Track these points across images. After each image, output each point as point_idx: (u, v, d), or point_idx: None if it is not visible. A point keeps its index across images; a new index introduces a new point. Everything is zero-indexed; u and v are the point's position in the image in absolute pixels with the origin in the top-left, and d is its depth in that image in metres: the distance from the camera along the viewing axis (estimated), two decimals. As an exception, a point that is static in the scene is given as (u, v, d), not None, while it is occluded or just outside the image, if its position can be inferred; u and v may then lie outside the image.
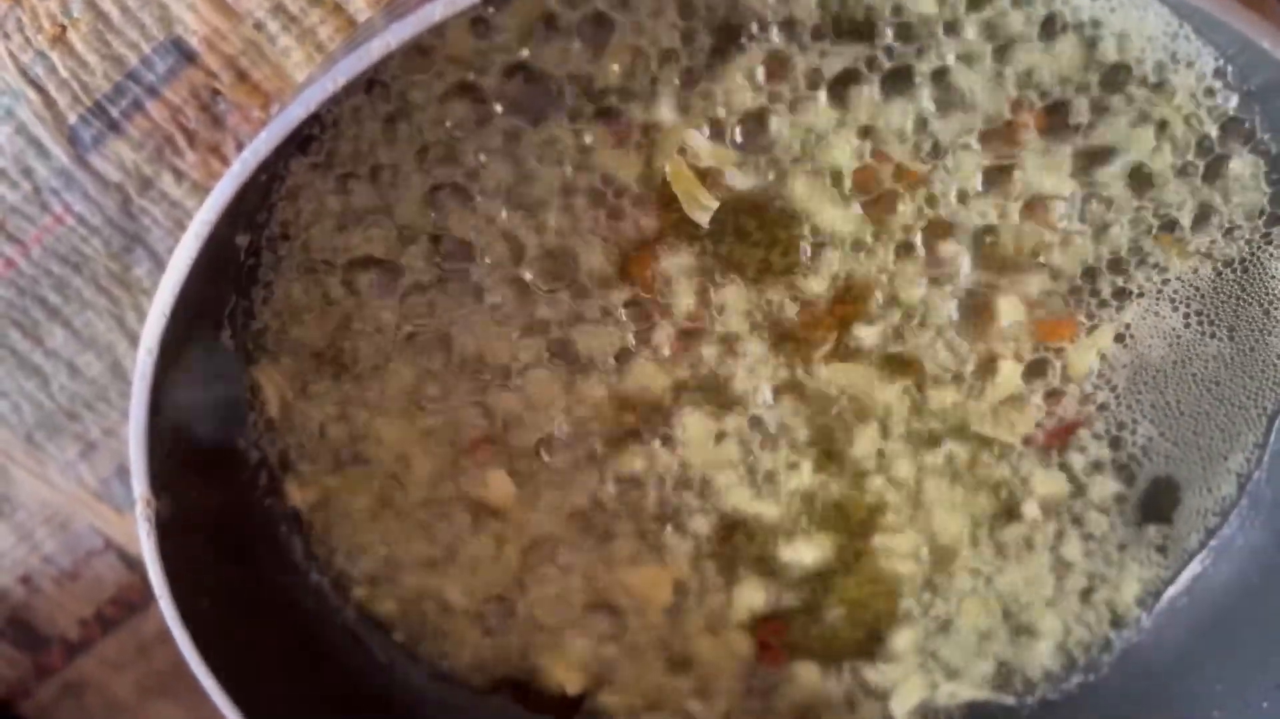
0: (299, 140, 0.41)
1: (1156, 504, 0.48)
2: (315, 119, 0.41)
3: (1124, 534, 0.49)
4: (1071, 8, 0.40)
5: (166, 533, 0.41)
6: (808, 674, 0.51)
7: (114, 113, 0.48)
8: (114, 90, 0.47)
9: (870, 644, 0.51)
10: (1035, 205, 0.43)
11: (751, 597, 0.50)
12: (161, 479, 0.40)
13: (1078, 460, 0.47)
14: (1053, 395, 0.46)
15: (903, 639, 0.51)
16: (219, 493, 0.46)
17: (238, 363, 0.45)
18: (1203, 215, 0.43)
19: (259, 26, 0.46)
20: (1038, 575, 0.49)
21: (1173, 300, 0.44)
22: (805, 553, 0.49)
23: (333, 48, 0.46)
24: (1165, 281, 0.44)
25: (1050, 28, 0.40)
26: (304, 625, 0.49)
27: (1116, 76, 0.41)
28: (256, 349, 0.45)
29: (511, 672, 0.52)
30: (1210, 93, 0.41)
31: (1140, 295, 0.44)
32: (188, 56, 0.47)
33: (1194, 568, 0.49)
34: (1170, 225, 0.43)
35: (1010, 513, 0.48)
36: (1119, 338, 0.45)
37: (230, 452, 0.47)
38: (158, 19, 0.46)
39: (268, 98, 0.47)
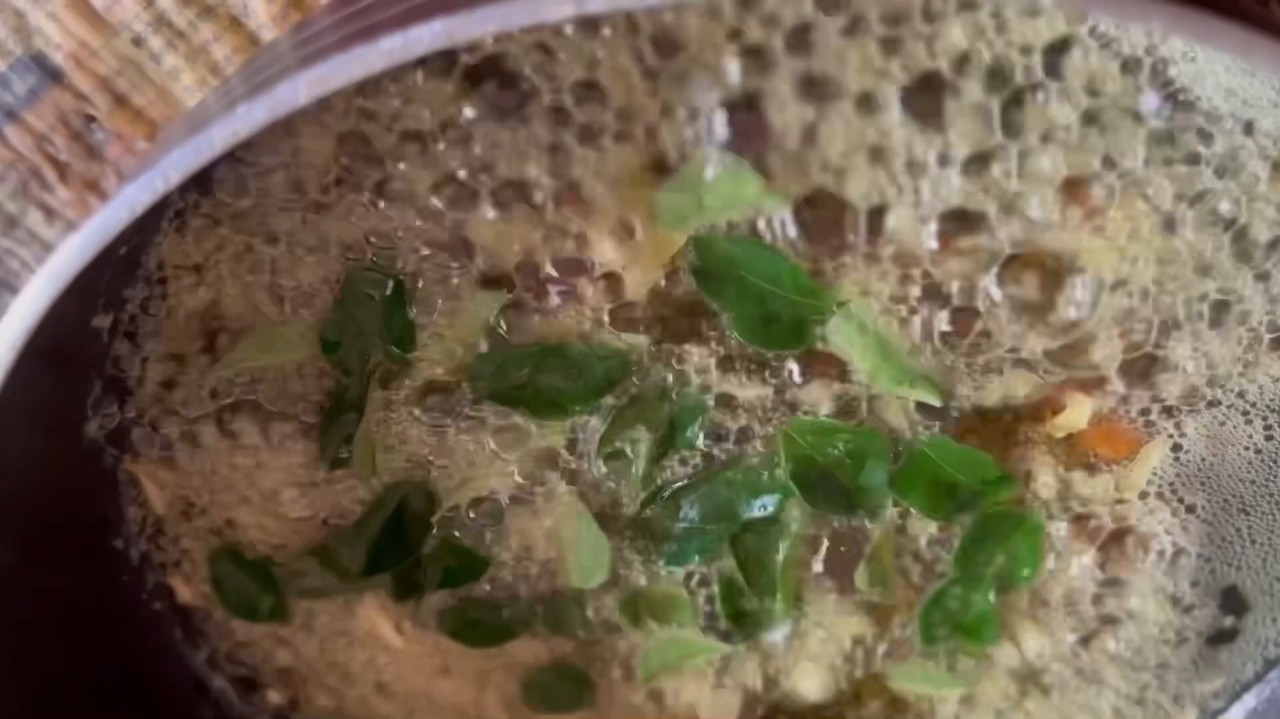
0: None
1: (1217, 632, 0.43)
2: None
3: (1181, 661, 0.43)
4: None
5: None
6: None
7: (-36, 140, 0.40)
8: (-38, 113, 0.39)
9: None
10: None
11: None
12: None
13: (1136, 584, 0.42)
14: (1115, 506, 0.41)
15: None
16: (97, 598, 0.40)
17: (109, 458, 0.38)
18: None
19: (138, 42, 0.38)
20: (1096, 706, 0.44)
21: (1246, 414, 0.38)
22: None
23: (230, 70, 0.38)
24: (1241, 393, 0.38)
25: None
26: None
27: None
28: (133, 441, 0.38)
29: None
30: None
31: (1214, 405, 0.38)
32: (52, 75, 0.39)
33: (1248, 701, 0.44)
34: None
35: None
36: (1175, 448, 0.39)
37: (106, 553, 0.40)
38: (13, 29, 0.39)
39: (153, 126, 0.40)
